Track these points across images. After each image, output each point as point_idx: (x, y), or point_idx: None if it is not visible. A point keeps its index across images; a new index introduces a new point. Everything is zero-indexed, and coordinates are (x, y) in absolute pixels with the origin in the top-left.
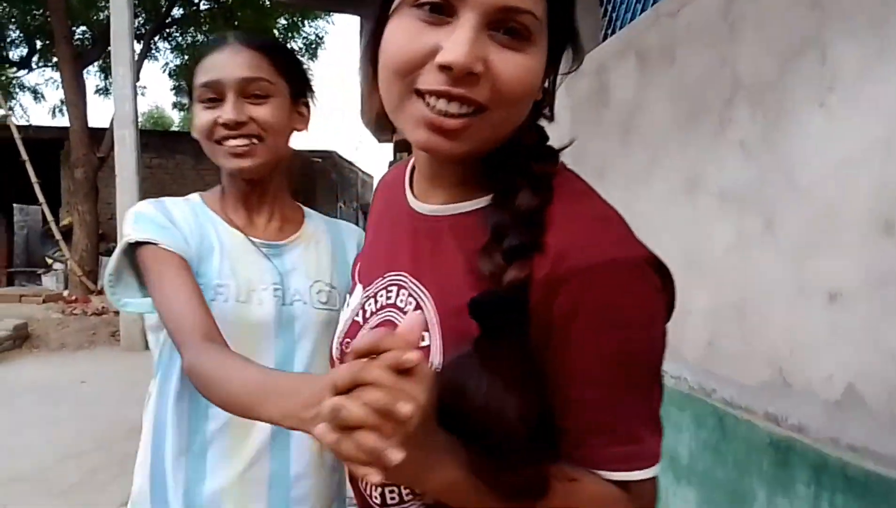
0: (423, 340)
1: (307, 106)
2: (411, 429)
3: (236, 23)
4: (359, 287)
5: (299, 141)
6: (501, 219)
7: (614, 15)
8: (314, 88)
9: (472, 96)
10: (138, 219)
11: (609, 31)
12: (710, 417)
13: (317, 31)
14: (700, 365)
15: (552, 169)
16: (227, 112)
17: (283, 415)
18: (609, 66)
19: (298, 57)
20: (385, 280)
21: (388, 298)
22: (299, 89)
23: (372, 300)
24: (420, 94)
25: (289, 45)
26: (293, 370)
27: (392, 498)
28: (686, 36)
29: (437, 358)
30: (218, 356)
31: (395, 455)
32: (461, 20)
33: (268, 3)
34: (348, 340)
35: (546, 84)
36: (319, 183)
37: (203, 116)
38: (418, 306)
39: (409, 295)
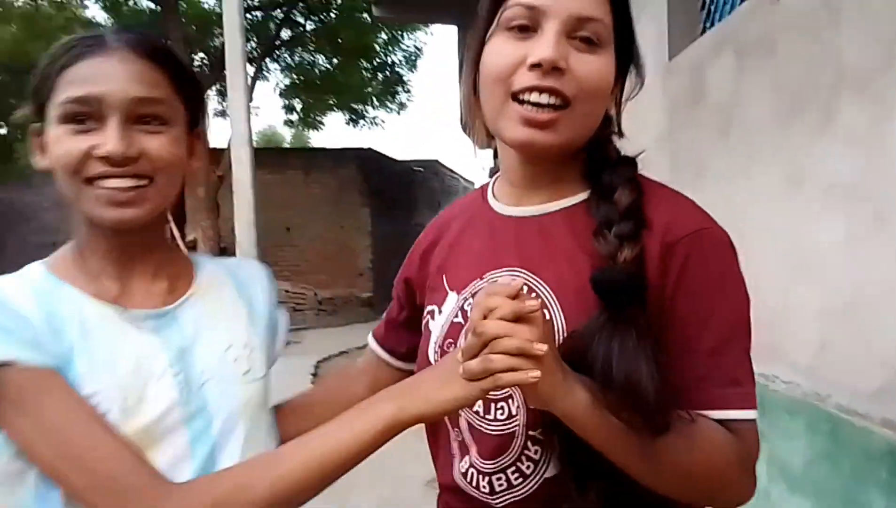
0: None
1: (203, 138)
2: (547, 361)
3: (339, 40)
4: (451, 294)
5: (402, 151)
6: (608, 211)
7: (713, 7)
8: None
9: (559, 88)
10: None
11: (708, 26)
12: (823, 424)
13: (416, 43)
14: (811, 369)
15: (636, 171)
16: (110, 142)
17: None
18: (706, 61)
19: (191, 68)
20: (483, 281)
21: None
22: (196, 115)
23: (472, 299)
24: (516, 97)
25: (389, 59)
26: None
27: (500, 485)
28: (787, 25)
29: (561, 337)
30: (211, 480)
31: (534, 373)
32: (545, 30)
33: (369, 19)
34: (450, 340)
35: (614, 96)
36: (421, 193)
37: (69, 144)
38: (536, 294)
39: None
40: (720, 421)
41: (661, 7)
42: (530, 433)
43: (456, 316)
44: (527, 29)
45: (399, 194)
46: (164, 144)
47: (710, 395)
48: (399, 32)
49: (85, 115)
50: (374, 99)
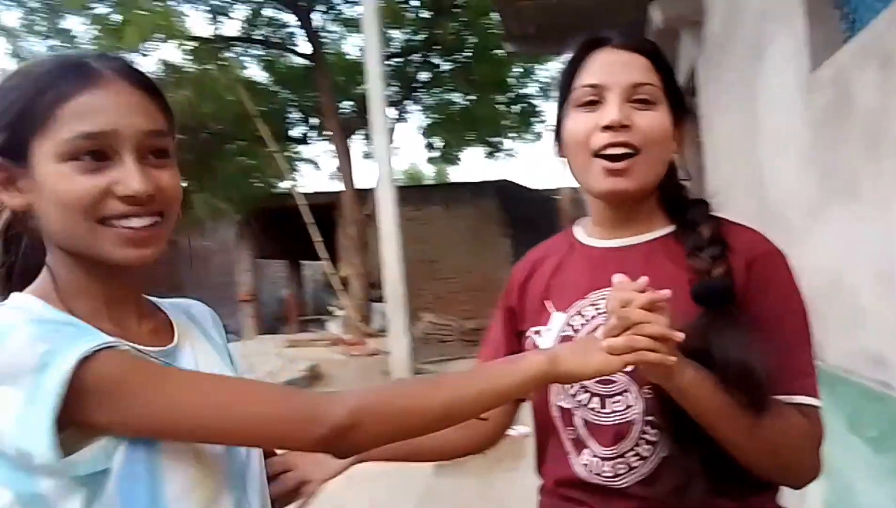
0: None
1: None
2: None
3: (474, 77)
4: (557, 314)
5: (539, 179)
6: (696, 239)
7: (854, 17)
8: None
9: (629, 140)
10: (43, 326)
11: (850, 35)
12: None
13: (550, 73)
14: None
15: (710, 208)
16: (134, 180)
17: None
18: (851, 72)
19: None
20: (587, 300)
21: (599, 310)
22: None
23: (578, 316)
24: (597, 155)
25: (524, 91)
26: None
27: (622, 469)
28: None
29: None
30: (375, 390)
31: (671, 359)
32: (608, 100)
33: (503, 54)
34: None
35: (676, 141)
36: (558, 219)
37: (81, 183)
38: None
39: None
40: (795, 406)
41: (798, 19)
42: (647, 419)
43: (565, 331)
44: (594, 102)
45: (538, 222)
46: (173, 178)
47: (788, 383)
48: (532, 65)
49: (97, 151)
50: (510, 131)
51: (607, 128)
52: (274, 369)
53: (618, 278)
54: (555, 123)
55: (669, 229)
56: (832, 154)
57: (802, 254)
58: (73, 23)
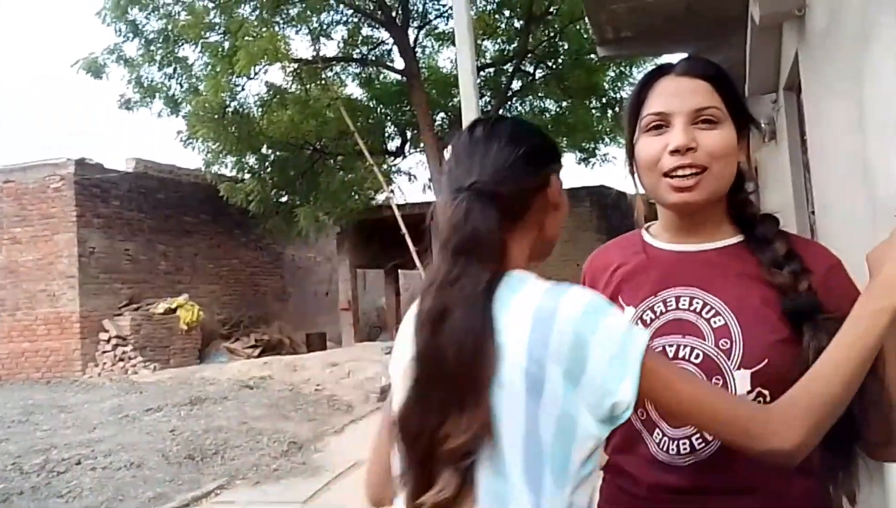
0: (725, 344)
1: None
2: None
3: (567, 83)
4: (629, 308)
5: (615, 180)
6: (772, 255)
7: None
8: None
9: (694, 162)
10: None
11: None
12: None
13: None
14: None
15: (779, 224)
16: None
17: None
18: None
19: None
20: (658, 298)
21: (669, 306)
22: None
23: (649, 311)
24: (665, 175)
25: (618, 95)
26: None
27: (684, 448)
28: None
29: (737, 348)
30: (789, 401)
31: None
32: (674, 124)
33: (595, 59)
34: None
35: (743, 152)
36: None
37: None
38: (713, 309)
39: (696, 300)
40: None
41: None
42: None
43: (636, 324)
44: (660, 126)
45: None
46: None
47: None
48: (627, 68)
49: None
50: (605, 136)
51: (675, 152)
52: (372, 375)
53: (661, 298)
54: (626, 145)
55: (737, 238)
56: None
57: None
58: (188, 51)
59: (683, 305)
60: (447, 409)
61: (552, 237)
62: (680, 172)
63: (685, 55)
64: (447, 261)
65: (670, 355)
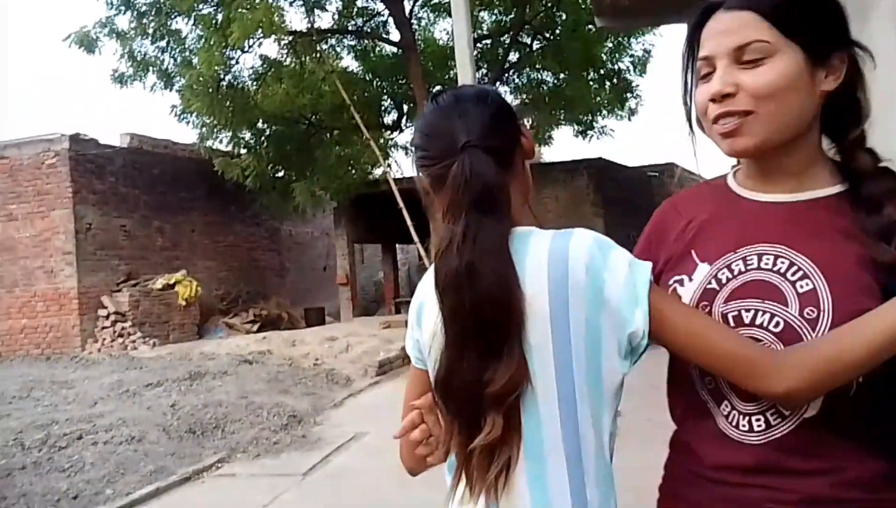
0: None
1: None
2: None
3: (564, 55)
4: (702, 265)
5: (634, 157)
6: (882, 223)
7: None
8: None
9: (733, 109)
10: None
11: None
12: None
13: (644, 46)
14: None
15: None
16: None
17: None
18: None
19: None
20: (737, 254)
21: (749, 265)
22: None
23: (726, 270)
24: (715, 121)
25: (616, 67)
26: None
27: (759, 426)
28: None
29: (825, 317)
30: (799, 350)
31: None
32: (717, 68)
33: (594, 30)
34: (705, 303)
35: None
36: (658, 197)
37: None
38: (800, 270)
39: (781, 260)
40: None
41: None
42: None
43: (710, 283)
44: (710, 74)
45: (634, 200)
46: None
47: None
48: (626, 39)
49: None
50: (603, 108)
51: (712, 99)
52: (370, 349)
53: (740, 255)
54: (683, 97)
55: (837, 188)
56: None
57: None
58: (181, 24)
59: (766, 264)
60: (486, 359)
61: (530, 183)
62: (722, 122)
63: (685, 25)
64: (462, 218)
65: (746, 321)
